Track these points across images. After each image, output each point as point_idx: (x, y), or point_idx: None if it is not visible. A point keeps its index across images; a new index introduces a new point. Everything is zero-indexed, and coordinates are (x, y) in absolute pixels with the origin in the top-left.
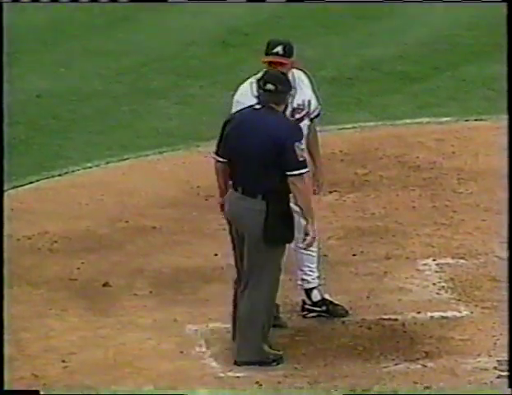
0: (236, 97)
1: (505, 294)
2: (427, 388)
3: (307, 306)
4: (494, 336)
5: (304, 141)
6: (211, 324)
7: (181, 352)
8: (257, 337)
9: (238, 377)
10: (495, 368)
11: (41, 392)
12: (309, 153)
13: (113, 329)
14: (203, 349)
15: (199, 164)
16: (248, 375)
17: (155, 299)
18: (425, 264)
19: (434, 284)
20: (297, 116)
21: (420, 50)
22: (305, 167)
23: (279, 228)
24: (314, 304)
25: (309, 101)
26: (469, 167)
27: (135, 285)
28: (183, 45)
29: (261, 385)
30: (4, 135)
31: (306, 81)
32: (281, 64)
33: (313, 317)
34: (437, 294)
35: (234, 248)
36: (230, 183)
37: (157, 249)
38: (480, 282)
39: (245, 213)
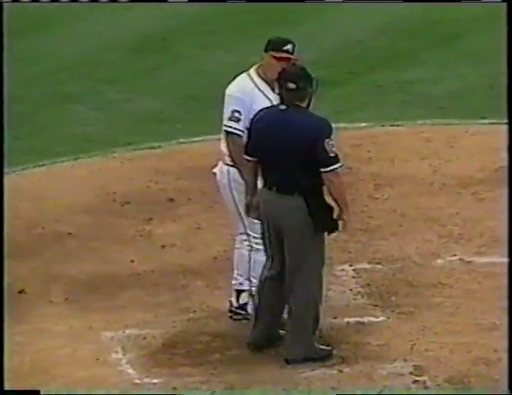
0: (235, 94)
1: (421, 299)
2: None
3: (233, 308)
4: (410, 341)
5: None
6: (128, 331)
7: (97, 359)
8: (309, 334)
9: (154, 383)
10: (411, 373)
11: (41, 392)
12: None
13: (28, 336)
14: (119, 355)
15: (115, 170)
16: (164, 381)
17: (71, 306)
18: (342, 269)
19: (350, 289)
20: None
21: (335, 55)
22: (338, 162)
23: (323, 219)
24: (241, 307)
25: None
26: (386, 172)
27: (51, 292)
28: (100, 51)
29: (177, 390)
30: None
31: None
32: (288, 60)
33: (237, 320)
34: (354, 299)
35: (270, 245)
36: (260, 182)
37: (73, 256)
38: (396, 288)
39: (284, 211)
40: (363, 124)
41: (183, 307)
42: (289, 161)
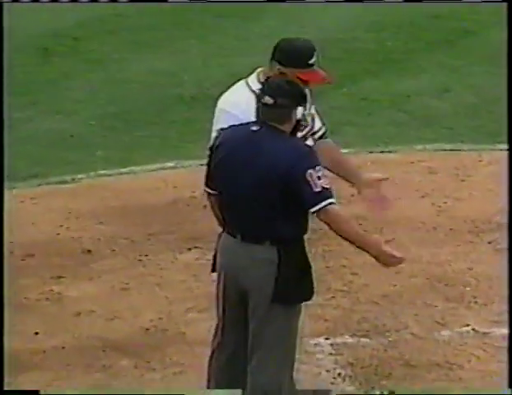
0: (227, 108)
1: (422, 384)
2: None
3: None
4: None
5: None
6: None
7: None
8: None
9: None
10: None
11: (41, 392)
12: (337, 172)
13: None
14: None
15: (14, 212)
16: None
17: None
18: (316, 344)
19: (327, 371)
20: (299, 134)
21: None
22: (329, 196)
23: (295, 282)
24: None
25: (313, 117)
26: (374, 215)
27: None
28: None
29: None
30: None
31: (308, 94)
32: (322, 81)
33: None
34: (332, 383)
35: (223, 312)
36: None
37: None
38: (389, 368)
39: (250, 264)
40: (344, 150)
41: None
42: (259, 199)
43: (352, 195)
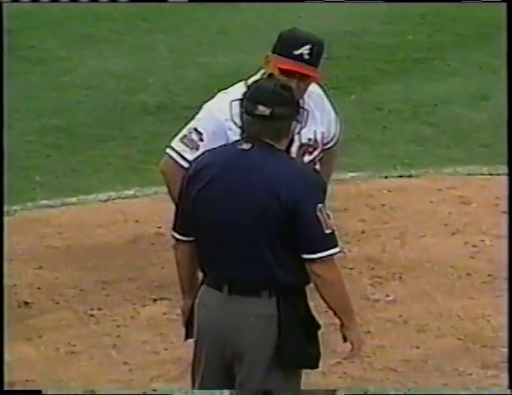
0: (211, 109)
1: None
2: None
3: None
4: None
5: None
6: None
7: None
8: None
9: None
10: None
11: (43, 392)
12: None
13: None
14: None
15: None
16: None
17: None
18: None
19: None
20: (307, 158)
21: None
22: (336, 245)
23: (299, 343)
24: None
25: (323, 134)
26: (390, 257)
27: None
28: None
29: None
30: None
31: (324, 99)
32: (305, 77)
33: None
34: None
35: (201, 383)
36: (202, 276)
37: None
38: None
39: (241, 323)
40: (351, 174)
41: None
42: (254, 237)
43: (363, 232)
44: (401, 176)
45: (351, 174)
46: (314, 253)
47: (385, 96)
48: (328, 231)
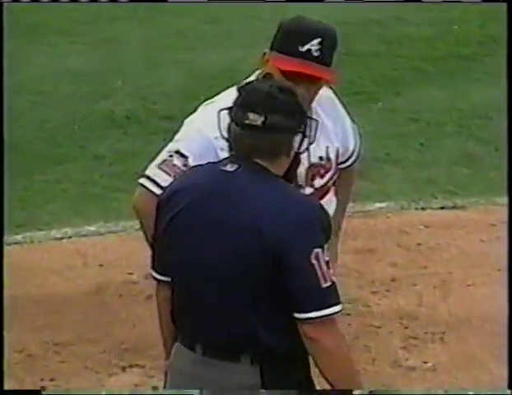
0: (196, 124)
1: None
2: None
3: None
4: None
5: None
6: None
7: None
8: None
9: None
10: None
11: (43, 392)
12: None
13: None
14: None
15: None
16: None
17: None
18: None
19: None
20: (317, 182)
21: None
22: (336, 303)
23: None
24: None
25: (338, 150)
26: (428, 311)
27: None
28: None
29: None
30: None
31: (336, 103)
32: (315, 80)
33: None
34: None
35: None
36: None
37: None
38: None
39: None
40: (378, 205)
41: None
42: (233, 283)
43: (394, 279)
44: (443, 207)
45: (378, 205)
46: (306, 313)
47: (423, 104)
48: (325, 285)
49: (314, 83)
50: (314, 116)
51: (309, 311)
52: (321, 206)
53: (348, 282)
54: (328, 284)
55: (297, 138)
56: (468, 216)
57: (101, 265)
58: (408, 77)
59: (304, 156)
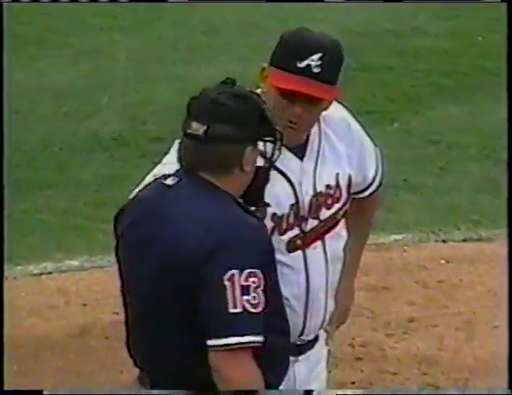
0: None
1: None
2: None
3: None
4: None
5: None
6: None
7: None
8: None
9: None
10: None
11: (44, 392)
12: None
13: None
14: None
15: None
16: None
17: None
18: None
19: None
20: (323, 214)
21: None
22: (249, 331)
23: None
24: None
25: (351, 177)
26: (449, 355)
27: None
28: None
29: None
30: None
31: (351, 125)
32: (315, 100)
33: None
34: None
35: None
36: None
37: None
38: None
39: None
40: (394, 237)
41: None
42: (159, 313)
43: (412, 320)
44: (465, 239)
45: (394, 237)
46: (210, 339)
47: (443, 124)
48: (233, 310)
49: (314, 103)
50: (322, 138)
51: (212, 337)
52: (261, 229)
53: (360, 323)
54: (238, 310)
55: (251, 152)
56: (494, 249)
57: (85, 304)
58: (426, 94)
59: (308, 184)
